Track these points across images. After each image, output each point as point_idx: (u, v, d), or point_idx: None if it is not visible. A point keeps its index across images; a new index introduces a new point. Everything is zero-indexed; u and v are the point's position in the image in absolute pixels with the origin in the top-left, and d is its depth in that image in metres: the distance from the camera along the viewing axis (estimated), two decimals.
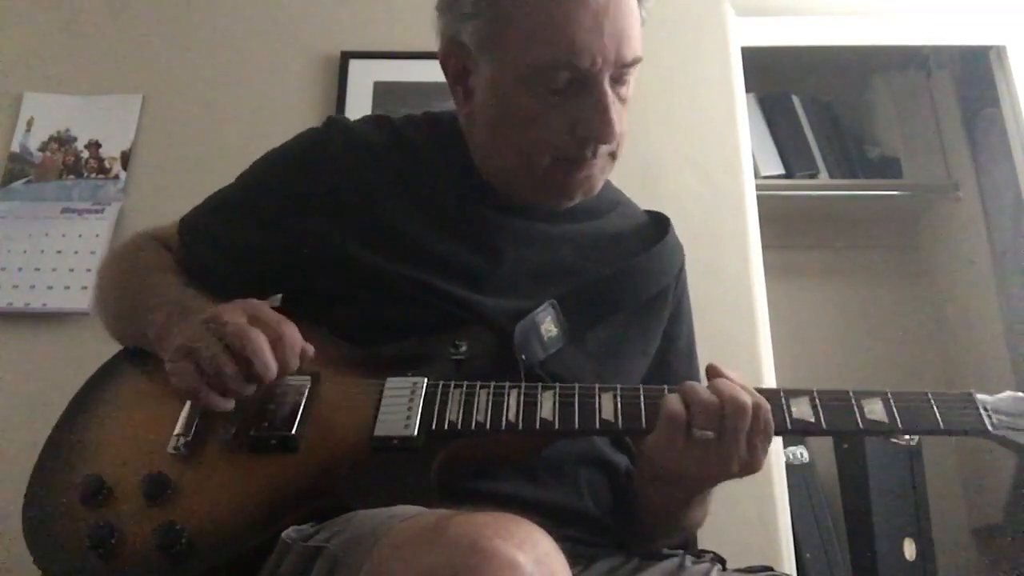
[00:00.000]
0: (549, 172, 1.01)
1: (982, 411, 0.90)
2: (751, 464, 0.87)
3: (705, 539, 1.25)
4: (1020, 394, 0.93)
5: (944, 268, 2.64)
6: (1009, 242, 2.42)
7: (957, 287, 2.58)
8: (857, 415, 0.89)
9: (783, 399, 0.90)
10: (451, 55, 1.04)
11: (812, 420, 0.89)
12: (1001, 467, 2.28)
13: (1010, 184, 2.33)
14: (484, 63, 1.00)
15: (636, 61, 0.99)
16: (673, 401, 0.87)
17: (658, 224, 1.19)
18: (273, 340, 0.87)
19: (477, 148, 1.07)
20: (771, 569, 1.01)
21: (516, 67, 0.97)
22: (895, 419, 0.89)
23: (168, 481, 0.86)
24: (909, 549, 2.13)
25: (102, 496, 0.86)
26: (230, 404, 0.87)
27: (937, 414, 0.89)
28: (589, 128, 0.97)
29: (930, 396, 0.90)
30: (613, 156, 1.04)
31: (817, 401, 0.90)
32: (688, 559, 1.01)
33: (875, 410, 0.90)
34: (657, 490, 0.96)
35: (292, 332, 0.89)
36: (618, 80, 0.99)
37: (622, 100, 1.00)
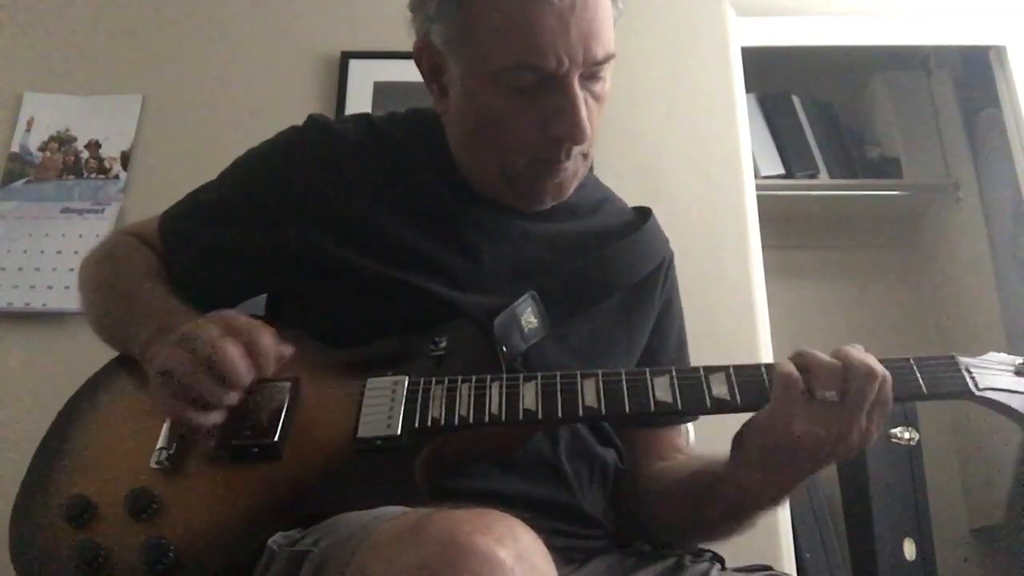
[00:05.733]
0: (523, 174, 1.01)
1: (965, 373, 0.88)
2: (867, 437, 0.85)
3: None
4: (1003, 354, 0.91)
5: (944, 268, 2.64)
6: (1009, 242, 2.42)
7: (957, 287, 2.58)
8: None
9: (764, 373, 0.89)
10: (423, 53, 1.03)
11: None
12: (1001, 467, 2.28)
13: (1010, 184, 2.33)
14: (453, 63, 0.99)
15: (608, 58, 0.96)
16: (786, 364, 0.85)
17: (641, 217, 1.18)
18: (247, 346, 0.87)
19: (455, 146, 1.07)
20: (770, 569, 1.01)
21: (482, 69, 0.96)
22: None
23: (153, 496, 0.85)
24: (909, 549, 2.13)
25: (87, 515, 0.85)
26: (215, 419, 0.87)
27: (920, 379, 0.87)
28: (559, 128, 0.96)
29: (912, 361, 0.89)
30: (586, 156, 1.03)
31: None
32: (687, 558, 1.00)
33: None
34: (756, 475, 0.89)
35: (265, 336, 0.89)
36: (591, 77, 0.96)
37: (596, 98, 0.98)
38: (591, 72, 0.96)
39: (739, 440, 0.89)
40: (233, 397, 0.87)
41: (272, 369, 0.89)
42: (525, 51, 0.92)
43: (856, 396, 0.83)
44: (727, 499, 0.94)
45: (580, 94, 0.95)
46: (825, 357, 0.85)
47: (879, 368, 0.84)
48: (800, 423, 0.83)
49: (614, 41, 0.97)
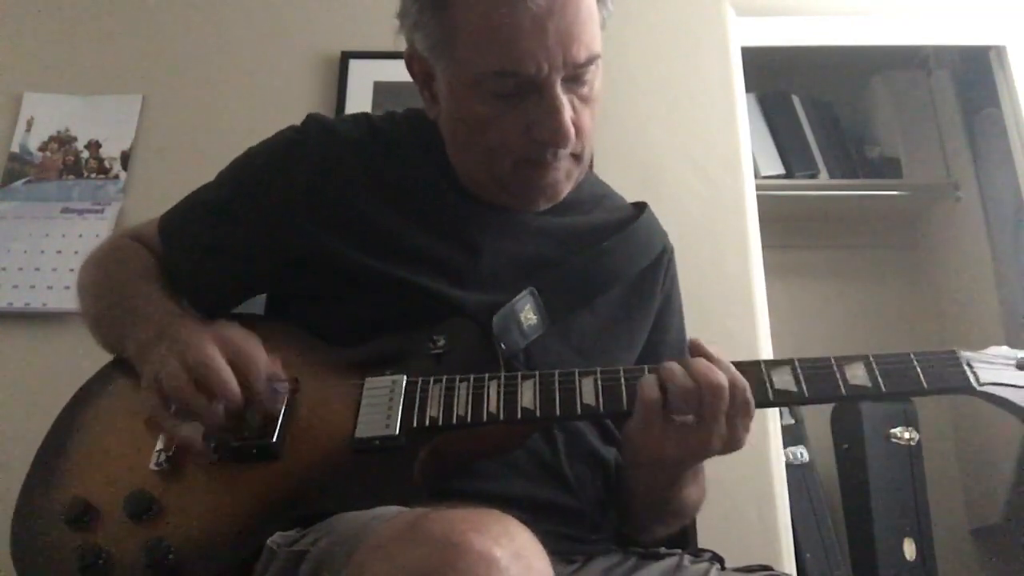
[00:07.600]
0: (512, 176, 1.01)
1: (966, 367, 0.88)
2: (732, 442, 0.86)
3: (705, 539, 1.25)
4: (1004, 348, 0.91)
5: (944, 268, 2.64)
6: (1009, 242, 2.42)
7: (957, 287, 2.58)
8: (839, 381, 0.87)
9: (764, 370, 0.88)
10: (413, 61, 1.05)
11: (794, 389, 0.87)
12: (1001, 467, 2.28)
13: (1010, 184, 2.33)
14: (438, 70, 1.00)
15: (591, 60, 0.95)
16: (649, 385, 0.86)
17: (638, 211, 1.19)
18: (235, 357, 0.88)
19: (448, 150, 1.08)
20: (770, 569, 1.01)
21: (464, 75, 0.96)
22: (878, 383, 0.86)
23: (152, 498, 0.86)
24: (909, 549, 2.13)
25: (88, 518, 0.86)
26: (199, 431, 0.88)
27: (921, 374, 0.87)
28: (542, 132, 0.96)
29: (912, 356, 0.88)
30: (577, 157, 1.02)
31: (798, 370, 0.88)
32: (687, 558, 1.00)
33: (858, 375, 0.87)
34: (643, 473, 0.95)
35: (259, 354, 0.90)
36: (575, 80, 0.96)
37: (584, 100, 0.98)
38: (574, 75, 0.95)
39: (622, 441, 0.94)
40: (217, 408, 0.87)
41: (262, 389, 0.89)
42: (503, 57, 0.92)
43: (710, 415, 0.85)
44: (630, 489, 0.99)
45: (563, 98, 0.94)
46: (681, 377, 0.85)
47: (725, 383, 0.84)
48: (660, 440, 0.86)
49: (600, 42, 0.97)
